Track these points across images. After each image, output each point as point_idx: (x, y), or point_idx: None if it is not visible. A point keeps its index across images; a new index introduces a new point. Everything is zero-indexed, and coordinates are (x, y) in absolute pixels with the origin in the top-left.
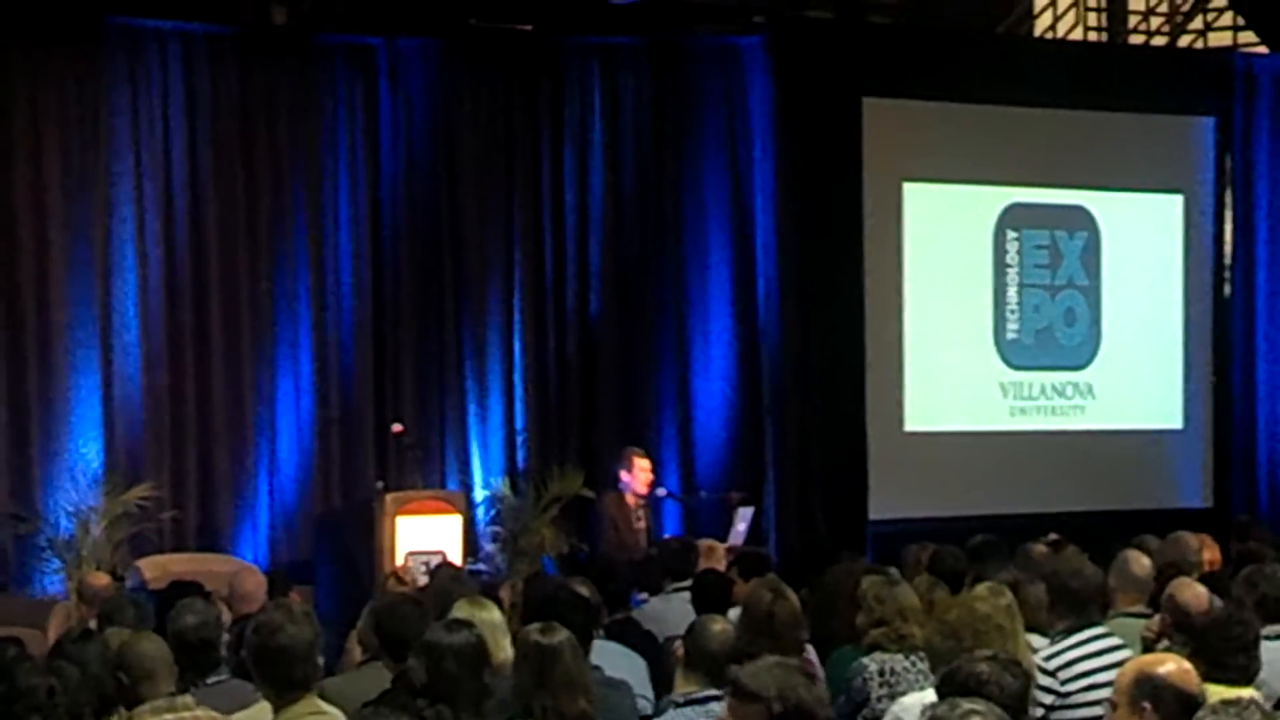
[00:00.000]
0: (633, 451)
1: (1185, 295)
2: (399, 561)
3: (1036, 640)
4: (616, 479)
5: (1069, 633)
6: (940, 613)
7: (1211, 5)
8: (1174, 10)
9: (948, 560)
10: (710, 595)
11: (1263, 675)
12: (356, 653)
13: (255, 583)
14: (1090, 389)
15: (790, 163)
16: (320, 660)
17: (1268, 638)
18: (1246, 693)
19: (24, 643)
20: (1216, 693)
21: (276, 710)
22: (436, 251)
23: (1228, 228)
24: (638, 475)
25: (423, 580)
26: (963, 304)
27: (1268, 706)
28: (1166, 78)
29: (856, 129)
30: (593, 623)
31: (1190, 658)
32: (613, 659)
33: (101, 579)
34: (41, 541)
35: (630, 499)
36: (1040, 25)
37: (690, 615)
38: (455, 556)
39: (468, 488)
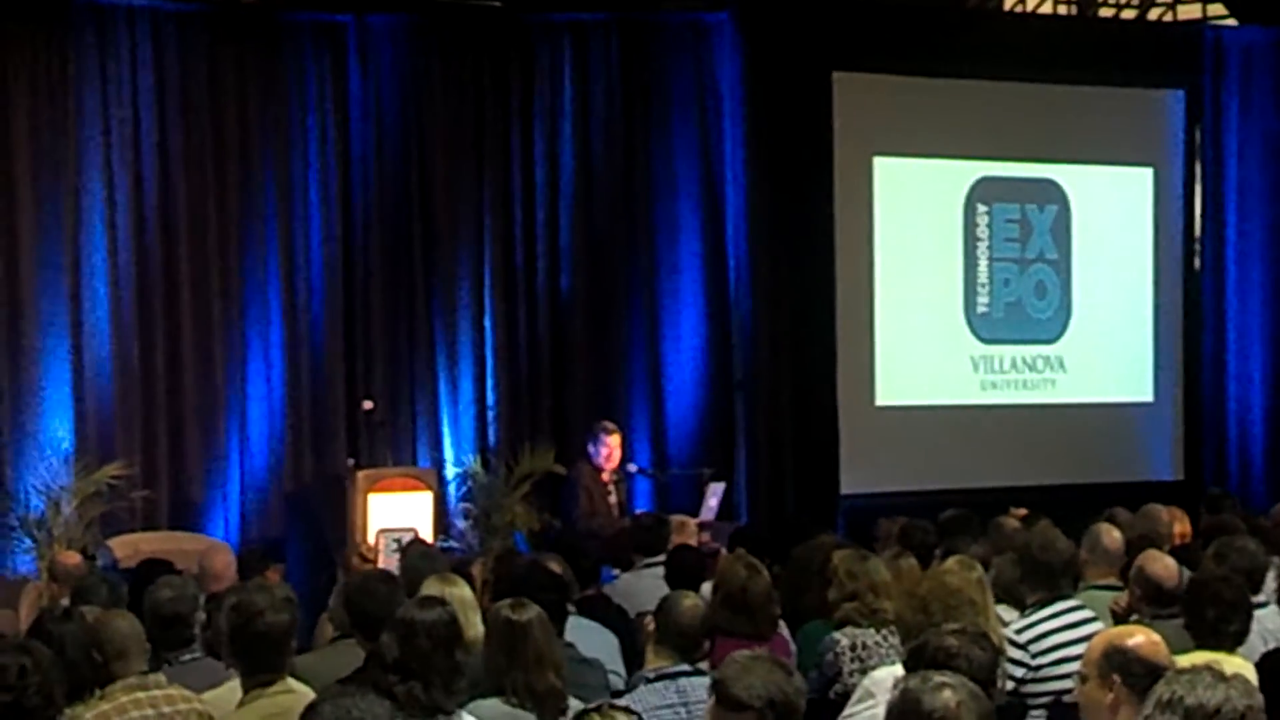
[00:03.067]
0: (603, 427)
1: (1155, 268)
2: (370, 539)
3: (1007, 613)
4: (587, 450)
5: (1040, 605)
6: (910, 585)
7: None
8: None
9: (917, 534)
10: (683, 571)
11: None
12: (328, 630)
13: (224, 561)
14: (1061, 362)
15: (760, 138)
16: (294, 645)
17: None
18: (1233, 660)
19: None
20: (1203, 659)
21: (246, 690)
22: (407, 228)
23: (1197, 201)
24: (602, 451)
25: (392, 557)
26: (933, 278)
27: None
28: (1136, 51)
29: (827, 104)
30: (566, 600)
31: (1185, 628)
32: (584, 634)
33: (73, 558)
34: (12, 520)
35: (602, 474)
36: None
37: (661, 591)
38: (426, 533)
39: (439, 465)
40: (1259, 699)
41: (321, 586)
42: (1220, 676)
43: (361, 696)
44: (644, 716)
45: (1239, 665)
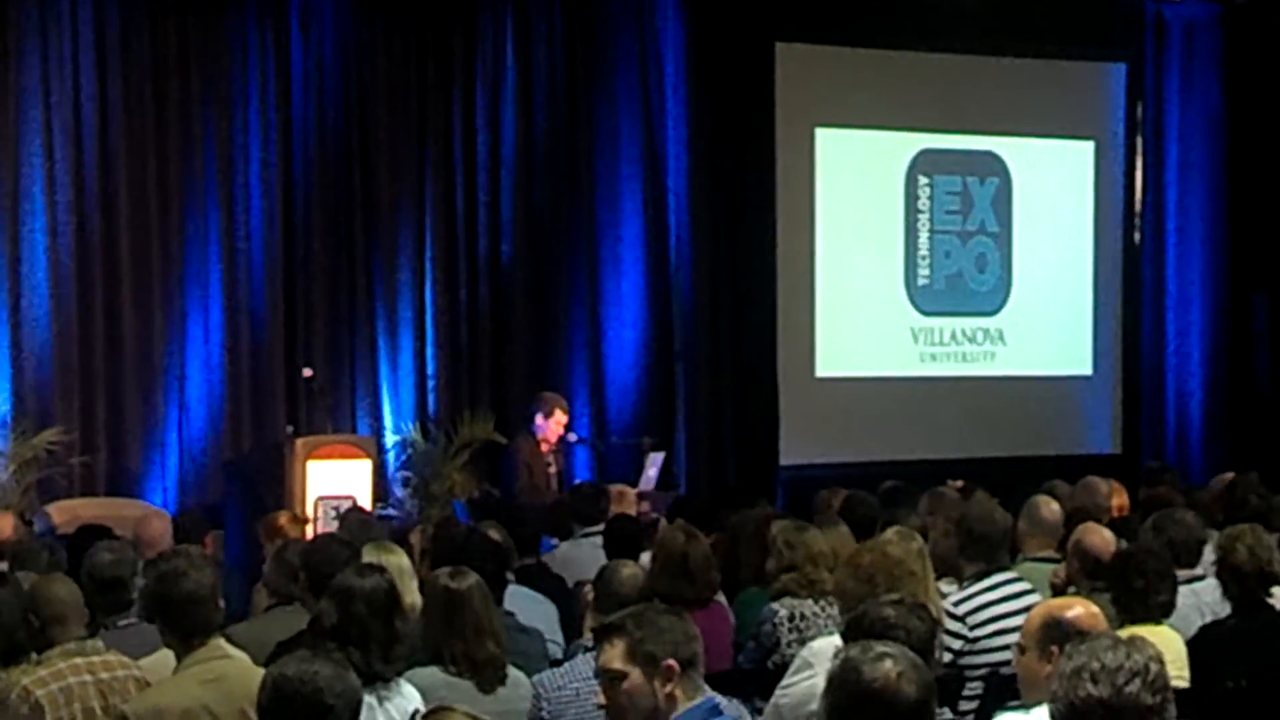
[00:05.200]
0: (557, 401)
1: (1096, 242)
2: (309, 506)
3: (945, 586)
4: (531, 420)
5: (978, 578)
6: (854, 557)
7: None
8: None
9: (860, 507)
10: (622, 540)
11: (1171, 619)
12: (264, 598)
13: (160, 528)
14: (1001, 335)
15: (703, 108)
16: (222, 604)
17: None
18: (1161, 631)
19: None
20: (1131, 632)
21: (180, 657)
22: (348, 198)
23: (1138, 174)
24: (552, 425)
25: (330, 525)
26: (874, 250)
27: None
28: (1078, 24)
29: (769, 74)
30: (504, 568)
31: (1112, 602)
32: (523, 604)
33: (9, 522)
34: None
35: (542, 444)
36: None
37: (600, 560)
38: (365, 501)
39: (378, 432)
40: (1157, 651)
41: (259, 554)
42: (1118, 639)
43: (325, 663)
44: (583, 686)
45: (1167, 636)
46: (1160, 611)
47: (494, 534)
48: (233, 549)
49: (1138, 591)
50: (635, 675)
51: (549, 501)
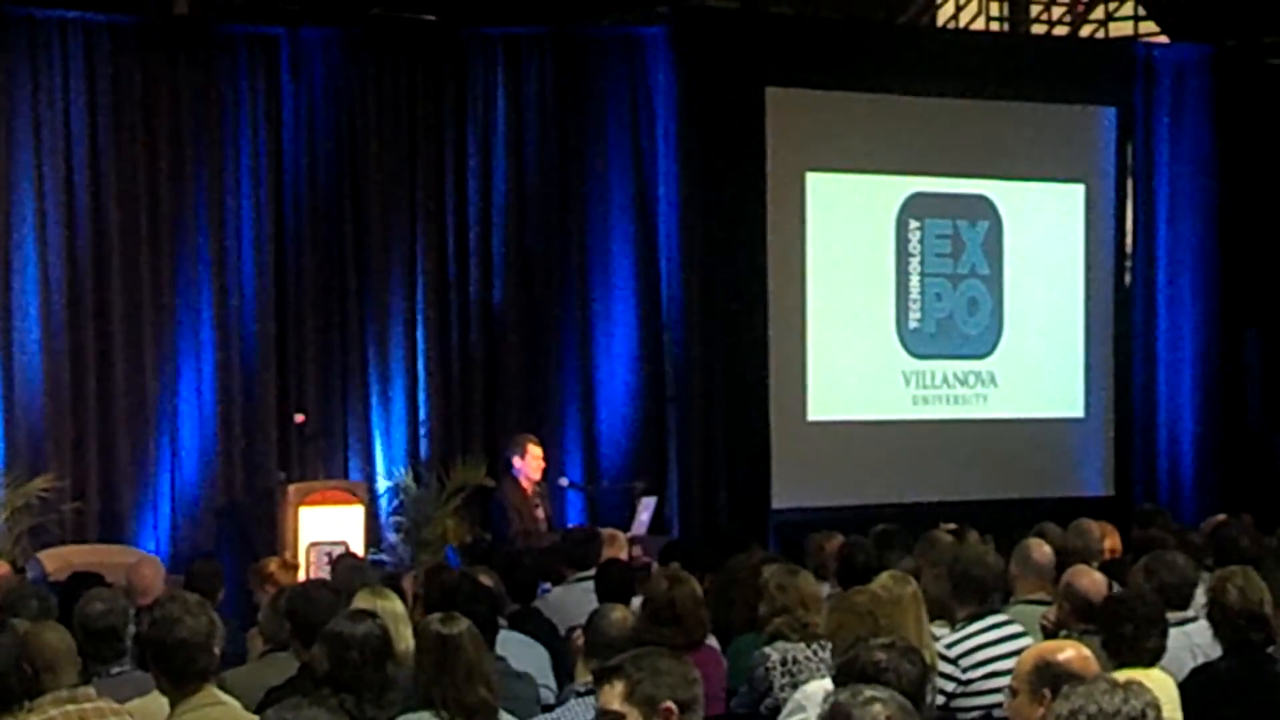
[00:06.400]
0: (526, 438)
1: (1086, 284)
2: (301, 552)
3: (938, 629)
4: (509, 465)
5: (970, 620)
6: (851, 596)
7: None
8: (1075, 0)
9: (860, 556)
10: (613, 585)
11: (1163, 661)
12: (258, 644)
13: (152, 574)
14: (992, 378)
15: (694, 152)
16: (218, 651)
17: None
18: (1152, 675)
19: None
20: (1124, 676)
21: (173, 703)
22: (339, 242)
23: (1129, 217)
24: (529, 462)
25: (323, 571)
26: (865, 293)
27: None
28: (1068, 67)
29: (760, 119)
30: (496, 613)
31: (1102, 646)
32: (515, 649)
33: (2, 570)
34: None
35: (525, 485)
36: (943, 15)
37: (592, 604)
38: (357, 547)
39: (370, 478)
40: (1154, 697)
41: (252, 600)
42: (1115, 683)
43: (320, 709)
44: None
45: (1159, 679)
46: (1150, 657)
47: (485, 579)
48: (226, 595)
49: (1127, 637)
50: (633, 717)
51: (539, 545)
